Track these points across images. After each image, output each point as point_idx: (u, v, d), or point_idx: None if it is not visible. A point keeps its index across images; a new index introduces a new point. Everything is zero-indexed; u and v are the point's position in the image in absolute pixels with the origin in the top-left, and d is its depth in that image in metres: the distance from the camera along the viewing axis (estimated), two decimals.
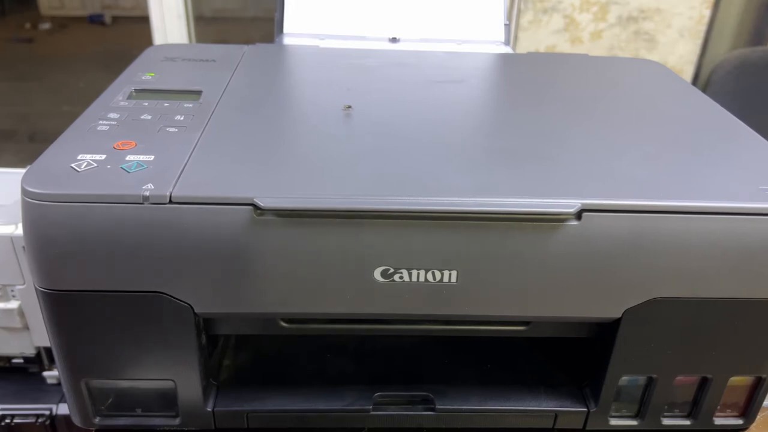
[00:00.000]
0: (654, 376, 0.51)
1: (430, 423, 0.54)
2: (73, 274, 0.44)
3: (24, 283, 0.69)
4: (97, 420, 0.52)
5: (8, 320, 0.71)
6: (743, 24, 1.59)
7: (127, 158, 0.46)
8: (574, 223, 0.44)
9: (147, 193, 0.42)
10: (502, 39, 0.82)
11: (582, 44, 1.50)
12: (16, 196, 0.44)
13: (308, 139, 0.51)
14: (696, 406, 0.54)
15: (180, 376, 0.49)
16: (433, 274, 0.45)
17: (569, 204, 0.43)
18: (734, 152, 0.51)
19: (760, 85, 1.19)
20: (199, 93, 0.57)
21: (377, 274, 0.44)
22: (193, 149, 0.47)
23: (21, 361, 0.75)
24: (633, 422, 0.54)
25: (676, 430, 0.55)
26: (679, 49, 1.51)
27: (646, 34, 1.49)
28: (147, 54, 0.68)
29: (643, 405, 0.53)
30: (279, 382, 0.55)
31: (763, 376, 0.52)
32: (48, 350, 0.75)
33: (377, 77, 0.65)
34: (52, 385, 0.77)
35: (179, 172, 0.44)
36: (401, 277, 0.45)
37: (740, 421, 0.55)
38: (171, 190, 0.42)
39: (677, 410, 0.54)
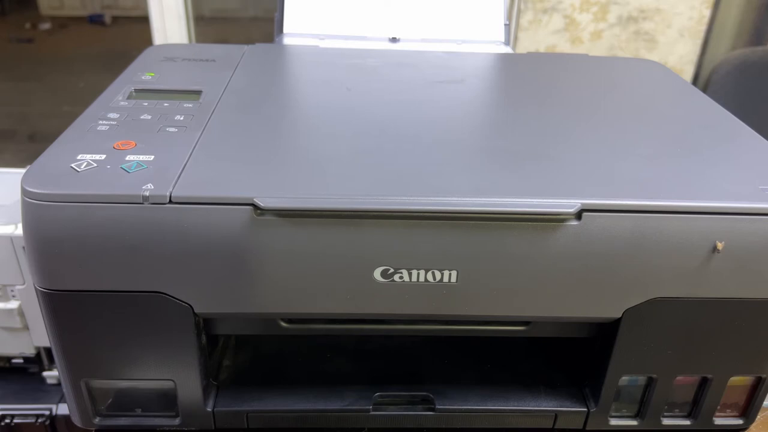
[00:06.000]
0: (654, 376, 0.51)
1: (430, 423, 0.54)
2: (73, 274, 0.44)
3: (24, 283, 0.69)
4: (97, 420, 0.52)
5: (8, 320, 0.71)
6: (743, 24, 1.59)
7: (127, 158, 0.46)
8: (574, 223, 0.44)
9: (147, 193, 0.42)
10: (502, 39, 0.82)
11: (582, 44, 1.50)
12: (16, 196, 0.44)
13: (308, 139, 0.51)
14: (696, 406, 0.54)
15: (180, 376, 0.49)
16: (433, 274, 0.45)
17: (569, 204, 0.43)
18: (734, 152, 0.51)
19: (760, 85, 1.19)
20: (199, 93, 0.57)
21: (377, 274, 0.44)
22: (193, 149, 0.47)
23: (21, 361, 0.75)
24: (633, 422, 0.54)
25: (676, 430, 0.55)
26: (679, 49, 1.51)
27: (646, 34, 1.49)
28: (147, 54, 0.68)
29: (643, 405, 0.53)
30: (279, 382, 0.55)
31: (763, 376, 0.52)
32: (48, 350, 0.75)
33: (377, 77, 0.65)
34: (52, 385, 0.77)
35: (179, 172, 0.44)
36: (401, 277, 0.45)
37: (740, 421, 0.55)
38: (171, 190, 0.42)
39: (677, 410, 0.54)
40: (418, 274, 0.45)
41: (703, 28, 1.49)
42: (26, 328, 0.72)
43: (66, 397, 0.51)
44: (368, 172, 0.46)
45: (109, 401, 0.52)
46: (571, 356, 0.58)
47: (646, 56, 1.52)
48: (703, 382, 0.52)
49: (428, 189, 0.44)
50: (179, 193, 0.42)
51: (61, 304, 0.45)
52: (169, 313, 0.46)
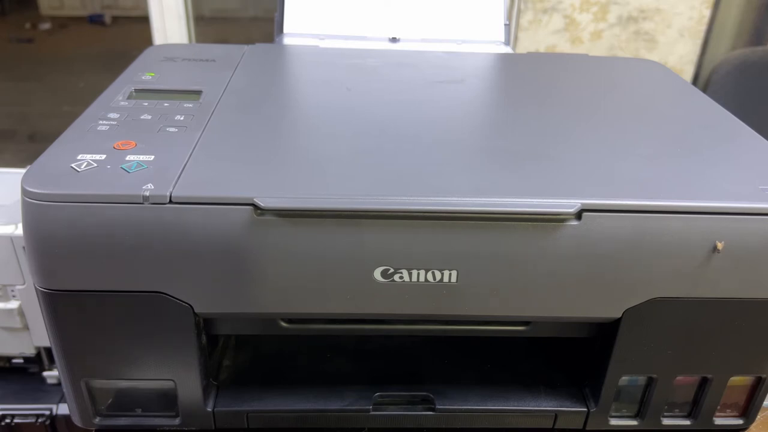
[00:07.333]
0: (654, 376, 0.51)
1: (430, 423, 0.54)
2: (73, 274, 0.44)
3: (24, 283, 0.69)
4: (97, 420, 0.52)
5: (8, 320, 0.71)
6: (743, 24, 1.59)
7: (127, 158, 0.46)
8: (574, 223, 0.44)
9: (147, 193, 0.42)
10: (502, 39, 0.82)
11: (582, 44, 1.50)
12: (16, 196, 0.44)
13: (308, 139, 0.51)
14: (696, 406, 0.54)
15: (180, 376, 0.49)
16: (433, 274, 0.45)
17: (569, 204, 0.43)
18: (734, 152, 0.51)
19: (760, 85, 1.19)
20: (199, 93, 0.57)
21: (377, 274, 0.44)
22: (193, 149, 0.47)
23: (21, 361, 0.76)
24: (633, 422, 0.54)
25: (676, 430, 0.55)
26: (679, 49, 1.51)
27: (646, 34, 1.49)
28: (147, 54, 0.68)
29: (643, 405, 0.53)
30: (279, 382, 0.55)
31: (763, 376, 0.52)
32: (48, 350, 0.75)
33: (377, 77, 0.65)
34: (52, 385, 0.77)
35: (179, 172, 0.44)
36: (401, 277, 0.45)
37: (740, 421, 0.55)
38: (171, 190, 0.42)
39: (677, 410, 0.54)
40: (418, 274, 0.45)
41: (703, 28, 1.49)
42: (26, 328, 0.72)
43: (66, 397, 0.51)
44: (368, 172, 0.46)
45: (109, 401, 0.52)
46: (571, 356, 0.58)
47: (646, 56, 1.52)
48: (703, 382, 0.52)
49: (428, 189, 0.44)
50: (179, 193, 0.42)
51: (61, 304, 0.45)
52: (169, 313, 0.46)
